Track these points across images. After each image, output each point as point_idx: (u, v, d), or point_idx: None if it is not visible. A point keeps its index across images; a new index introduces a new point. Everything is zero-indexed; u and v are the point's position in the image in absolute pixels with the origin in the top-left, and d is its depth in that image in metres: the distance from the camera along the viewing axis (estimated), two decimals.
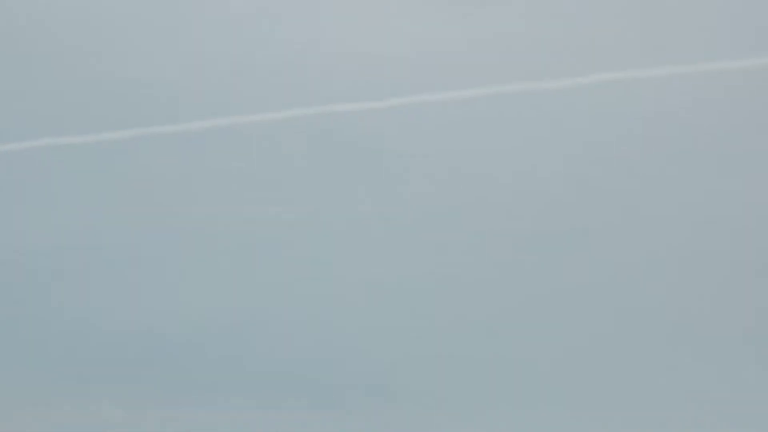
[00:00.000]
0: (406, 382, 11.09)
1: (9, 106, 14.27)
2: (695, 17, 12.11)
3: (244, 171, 12.46)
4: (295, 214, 12.08)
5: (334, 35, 12.66)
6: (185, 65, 13.59)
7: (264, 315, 11.74)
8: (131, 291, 12.64)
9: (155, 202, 12.80)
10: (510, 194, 11.71)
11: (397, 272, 11.84)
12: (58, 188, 13.64)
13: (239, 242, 12.20)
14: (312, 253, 11.98)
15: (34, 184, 13.78)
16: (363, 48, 12.41)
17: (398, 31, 12.39)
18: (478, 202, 11.60)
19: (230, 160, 12.56)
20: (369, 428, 10.89)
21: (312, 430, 11.21)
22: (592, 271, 11.34)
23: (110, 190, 13.19)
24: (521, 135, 11.50)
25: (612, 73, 11.59)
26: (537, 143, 11.46)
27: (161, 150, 13.12)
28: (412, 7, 12.26)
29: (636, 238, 11.55)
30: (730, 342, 10.64)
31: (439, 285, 11.76)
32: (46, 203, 13.59)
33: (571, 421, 10.85)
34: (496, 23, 12.03)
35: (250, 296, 11.88)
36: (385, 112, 11.91)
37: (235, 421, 11.29)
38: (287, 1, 13.02)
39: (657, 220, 11.61)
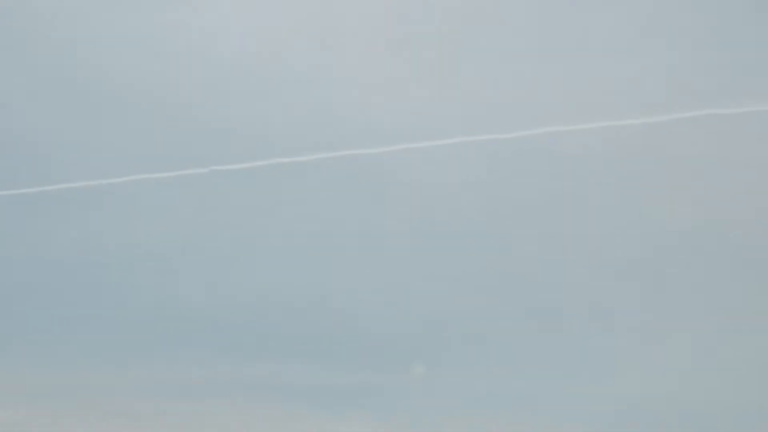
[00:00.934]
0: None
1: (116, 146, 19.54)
2: (614, 81, 16.80)
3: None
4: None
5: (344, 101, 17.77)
6: (240, 117, 18.72)
7: None
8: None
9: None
10: (479, 215, 16.60)
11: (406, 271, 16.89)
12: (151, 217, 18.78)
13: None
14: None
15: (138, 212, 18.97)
16: (366, 106, 17.52)
17: (391, 95, 17.40)
18: (454, 221, 16.51)
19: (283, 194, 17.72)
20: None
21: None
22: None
23: (190, 219, 18.35)
24: (481, 174, 16.39)
25: (551, 127, 16.31)
26: (493, 180, 16.34)
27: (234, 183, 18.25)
28: (400, 81, 17.26)
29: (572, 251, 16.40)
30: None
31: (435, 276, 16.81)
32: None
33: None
34: (462, 89, 16.96)
35: None
36: (387, 156, 16.88)
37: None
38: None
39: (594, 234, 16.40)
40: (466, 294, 16.27)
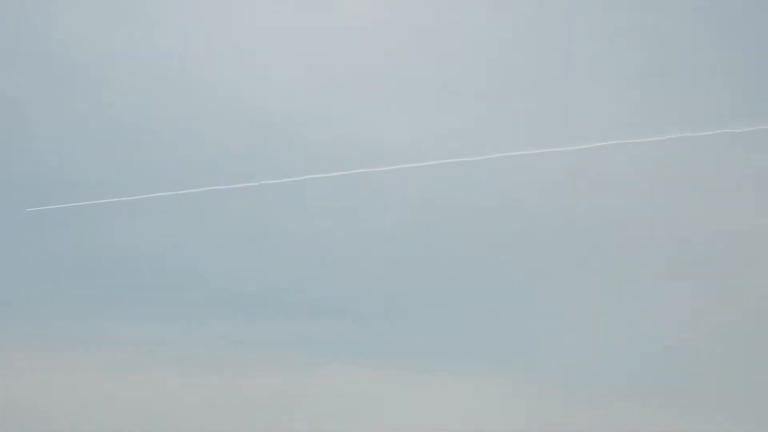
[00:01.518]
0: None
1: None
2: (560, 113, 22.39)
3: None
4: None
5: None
6: (279, 144, 25.12)
7: None
8: None
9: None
10: (450, 217, 22.44)
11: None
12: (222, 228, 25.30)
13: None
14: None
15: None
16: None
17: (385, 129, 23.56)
18: (430, 222, 22.42)
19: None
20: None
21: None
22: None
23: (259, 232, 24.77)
24: (453, 188, 22.35)
25: (502, 153, 21.99)
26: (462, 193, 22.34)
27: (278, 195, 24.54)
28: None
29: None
30: None
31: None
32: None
33: None
34: (441, 123, 22.89)
35: None
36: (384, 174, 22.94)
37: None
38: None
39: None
40: (441, 274, 22.37)
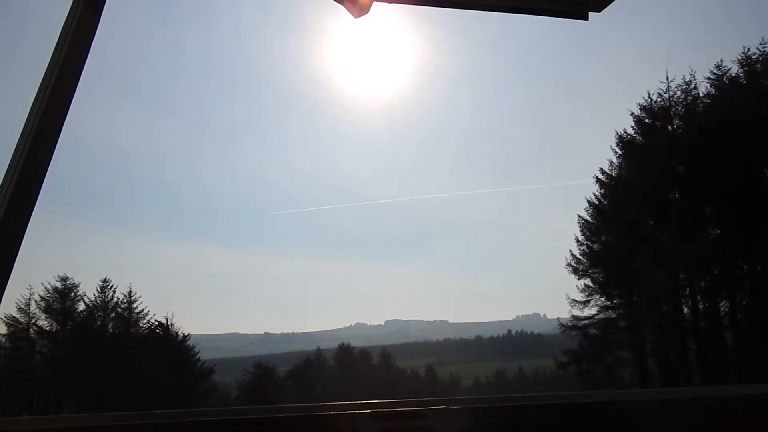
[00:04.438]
0: None
1: None
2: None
3: None
4: None
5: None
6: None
7: None
8: None
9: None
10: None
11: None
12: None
13: None
14: None
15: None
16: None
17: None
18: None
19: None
20: None
21: None
22: None
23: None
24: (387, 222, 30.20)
25: (425, 195, 30.22)
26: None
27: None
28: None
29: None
30: None
31: None
32: None
33: None
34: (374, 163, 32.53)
35: None
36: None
37: None
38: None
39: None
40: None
